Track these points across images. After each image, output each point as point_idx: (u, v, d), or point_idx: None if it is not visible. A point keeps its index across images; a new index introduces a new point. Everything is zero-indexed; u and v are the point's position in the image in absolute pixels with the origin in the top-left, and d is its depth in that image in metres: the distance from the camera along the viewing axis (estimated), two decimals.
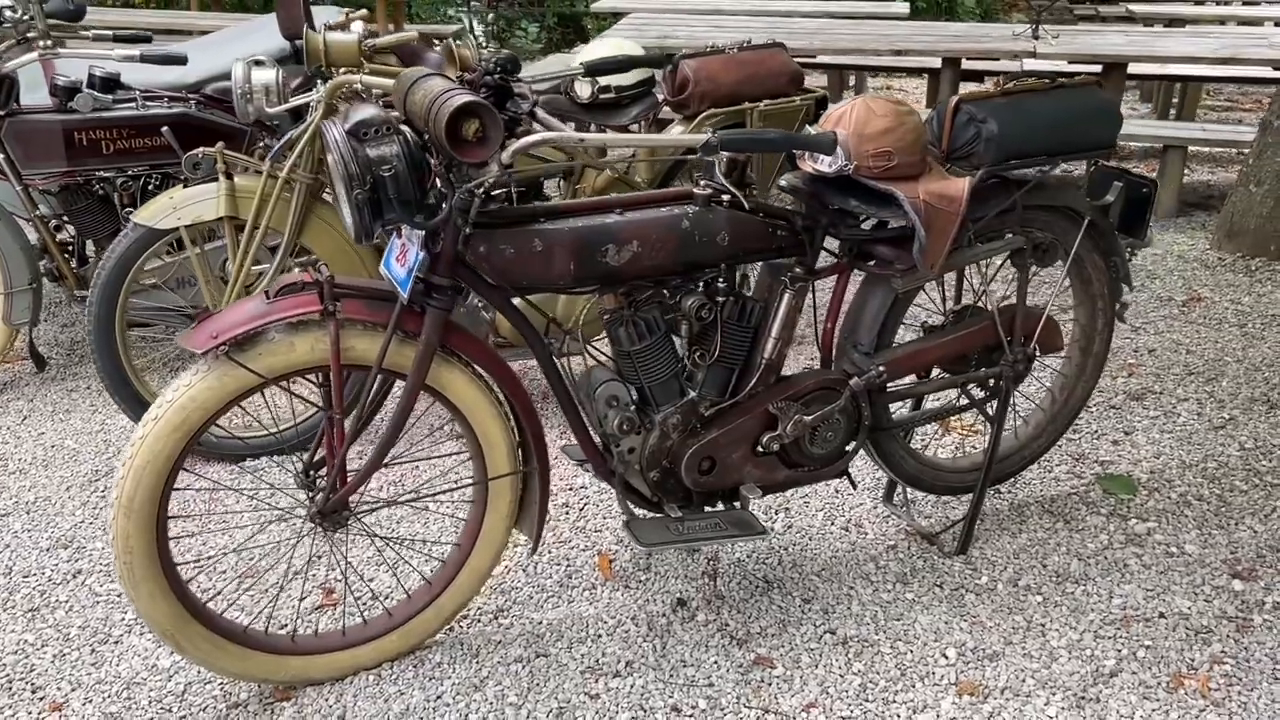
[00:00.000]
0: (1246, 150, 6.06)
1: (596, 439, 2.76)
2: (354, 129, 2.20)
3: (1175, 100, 8.58)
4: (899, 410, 3.22)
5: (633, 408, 2.72)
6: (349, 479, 2.50)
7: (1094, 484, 3.57)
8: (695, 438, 2.78)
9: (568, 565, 3.18)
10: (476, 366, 2.56)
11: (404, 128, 2.26)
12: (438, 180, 2.31)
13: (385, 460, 2.50)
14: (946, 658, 2.75)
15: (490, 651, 2.79)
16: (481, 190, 2.26)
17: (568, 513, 3.47)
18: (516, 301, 2.58)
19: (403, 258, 2.41)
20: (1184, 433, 3.90)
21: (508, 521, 2.73)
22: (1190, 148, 6.85)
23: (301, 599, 3.01)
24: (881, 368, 2.86)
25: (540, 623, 2.91)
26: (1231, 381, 4.29)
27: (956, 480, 3.31)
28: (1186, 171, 6.89)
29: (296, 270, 2.41)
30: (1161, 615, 2.89)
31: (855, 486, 3.11)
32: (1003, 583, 3.06)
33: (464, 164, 2.25)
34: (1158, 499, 3.47)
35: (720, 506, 2.90)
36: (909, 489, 3.32)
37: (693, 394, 2.78)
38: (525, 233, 2.42)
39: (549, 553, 3.25)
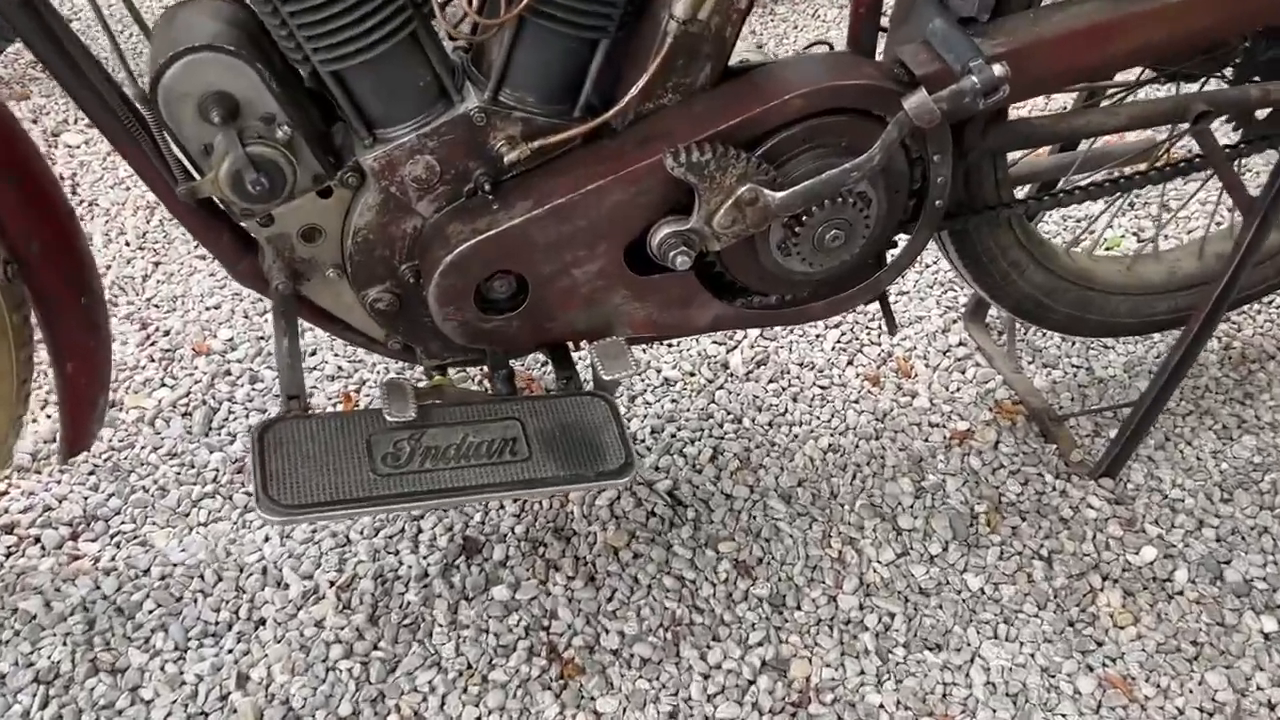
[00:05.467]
0: None
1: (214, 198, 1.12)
2: None
3: None
4: (1022, 164, 1.49)
5: (285, 127, 1.05)
6: None
7: None
8: (472, 219, 1.13)
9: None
10: None
11: None
12: None
13: None
14: None
15: None
16: None
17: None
18: None
19: None
20: None
21: None
22: None
23: None
24: (999, 64, 1.10)
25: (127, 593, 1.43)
26: None
27: (1127, 311, 1.61)
28: None
29: None
30: None
31: (894, 330, 1.46)
32: (1193, 566, 1.46)
33: None
34: None
35: (556, 380, 1.29)
36: (1019, 318, 1.64)
37: (472, 101, 1.09)
38: None
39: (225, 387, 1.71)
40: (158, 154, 1.05)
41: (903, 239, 1.31)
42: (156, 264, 1.96)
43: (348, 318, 1.25)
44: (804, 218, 1.16)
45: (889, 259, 1.32)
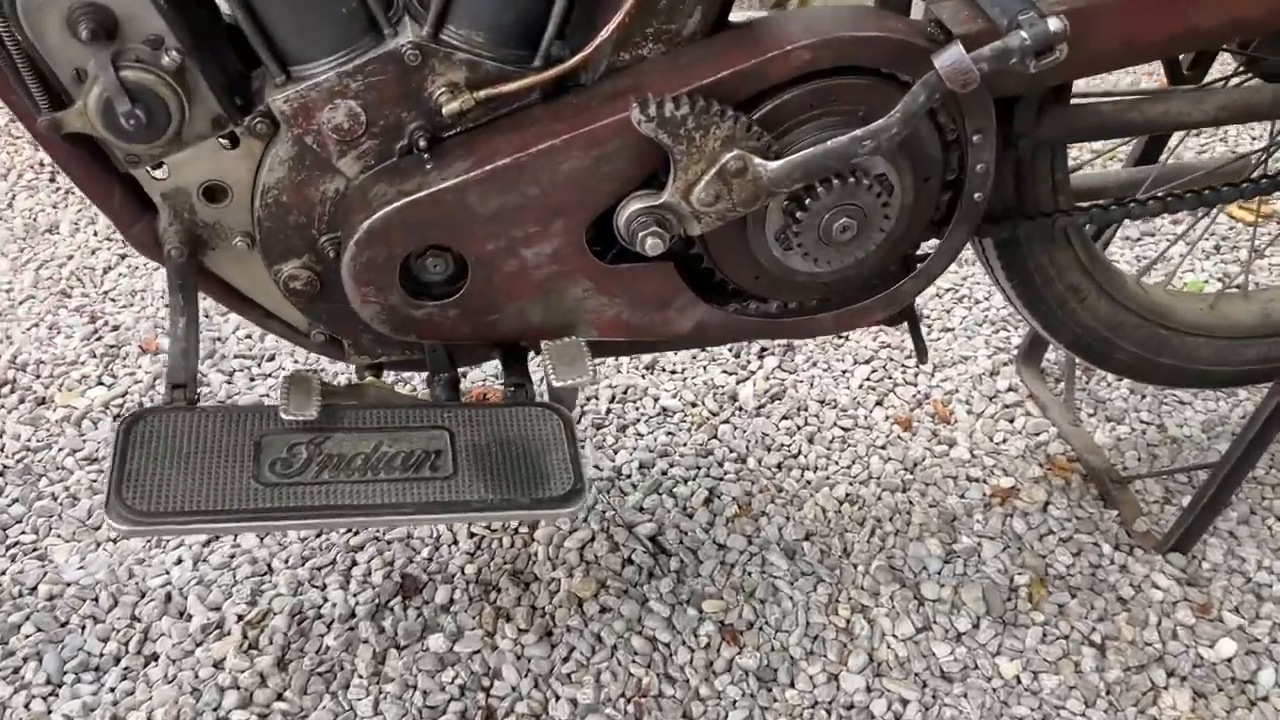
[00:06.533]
0: None
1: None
2: None
3: None
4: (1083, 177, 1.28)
5: (175, 53, 0.88)
6: None
7: None
8: (401, 180, 0.94)
9: None
10: None
11: None
12: None
13: None
14: None
15: None
16: None
17: None
18: None
19: None
20: None
21: None
22: None
23: None
24: (1056, 18, 0.89)
25: None
26: None
27: (1208, 357, 1.37)
28: None
29: None
30: None
31: (924, 358, 1.24)
32: None
33: None
34: None
35: (508, 387, 1.09)
36: (1080, 359, 1.41)
37: (406, 37, 0.91)
38: None
39: None
40: (18, 76, 0.89)
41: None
42: (122, 256, 1.81)
43: (263, 300, 1.07)
44: (807, 200, 0.95)
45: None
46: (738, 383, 1.58)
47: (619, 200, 0.96)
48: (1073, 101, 1.10)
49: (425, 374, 1.13)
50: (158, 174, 0.96)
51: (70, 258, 1.81)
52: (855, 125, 0.94)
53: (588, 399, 1.54)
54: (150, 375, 1.55)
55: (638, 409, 1.53)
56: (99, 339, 1.63)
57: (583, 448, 1.46)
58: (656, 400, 1.54)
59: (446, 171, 0.93)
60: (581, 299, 1.02)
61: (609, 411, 1.52)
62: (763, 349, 1.63)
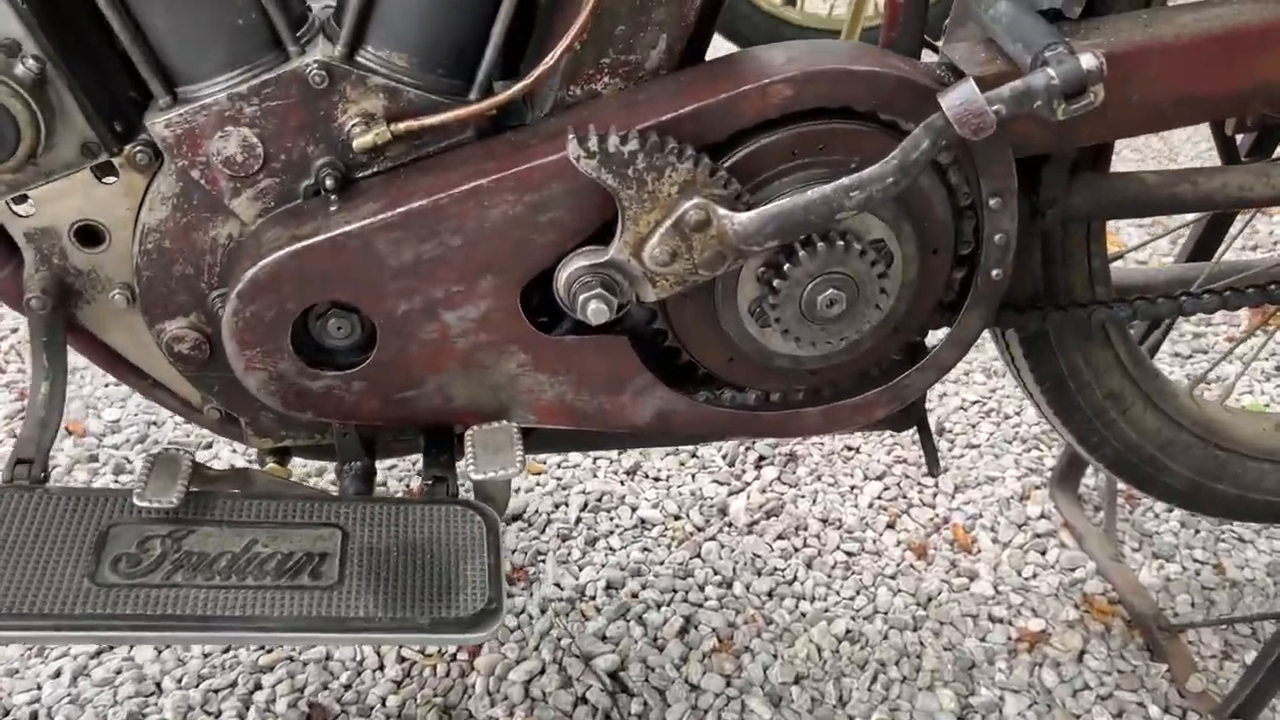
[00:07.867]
0: None
1: None
2: None
3: None
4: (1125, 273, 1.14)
5: (32, 61, 0.75)
6: None
7: None
8: (299, 223, 0.80)
9: None
10: None
11: None
12: None
13: None
14: None
15: None
16: None
17: None
18: None
19: None
20: None
21: None
22: None
23: None
24: (1089, 54, 0.74)
25: None
26: None
27: (1274, 487, 1.18)
28: None
29: None
30: None
31: (937, 469, 1.07)
32: None
33: None
34: None
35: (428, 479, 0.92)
36: (1123, 483, 1.22)
37: (314, 55, 0.78)
38: None
39: None
40: None
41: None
42: None
43: (150, 368, 0.92)
44: (786, 266, 0.80)
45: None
46: (729, 494, 1.40)
47: (561, 257, 0.81)
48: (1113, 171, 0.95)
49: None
50: (20, 209, 0.83)
51: (14, 330, 1.68)
52: (851, 169, 0.79)
53: (556, 506, 1.37)
54: (70, 459, 1.40)
55: (612, 519, 1.36)
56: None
57: (543, 561, 1.28)
58: (634, 510, 1.37)
59: (352, 214, 0.79)
60: (516, 376, 0.86)
61: (579, 521, 1.35)
62: (760, 458, 1.46)
